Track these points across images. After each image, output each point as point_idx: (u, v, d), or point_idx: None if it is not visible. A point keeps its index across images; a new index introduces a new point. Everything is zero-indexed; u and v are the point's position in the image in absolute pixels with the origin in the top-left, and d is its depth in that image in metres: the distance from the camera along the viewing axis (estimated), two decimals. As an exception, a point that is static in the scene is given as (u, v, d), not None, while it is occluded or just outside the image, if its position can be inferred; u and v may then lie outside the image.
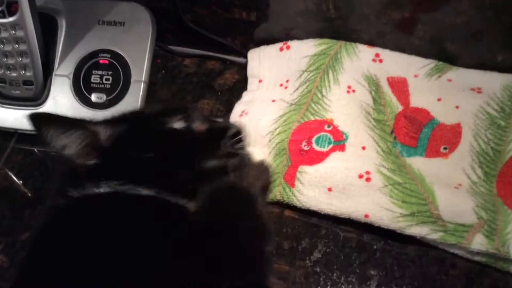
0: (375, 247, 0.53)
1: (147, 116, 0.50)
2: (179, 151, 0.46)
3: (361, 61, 0.59)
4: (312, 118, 0.56)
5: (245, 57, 0.66)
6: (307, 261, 0.53)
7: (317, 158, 0.53)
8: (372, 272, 0.51)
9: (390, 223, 0.50)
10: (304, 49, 0.61)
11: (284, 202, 0.54)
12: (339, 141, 0.54)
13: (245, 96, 0.62)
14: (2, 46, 0.58)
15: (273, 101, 0.60)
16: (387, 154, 0.54)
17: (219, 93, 0.66)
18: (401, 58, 0.60)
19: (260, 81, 0.63)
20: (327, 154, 0.53)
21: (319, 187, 0.52)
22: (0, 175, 0.62)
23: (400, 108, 0.57)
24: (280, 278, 0.52)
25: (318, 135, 0.55)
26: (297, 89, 0.59)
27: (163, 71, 0.68)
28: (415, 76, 0.58)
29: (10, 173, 0.63)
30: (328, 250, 0.53)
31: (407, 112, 0.57)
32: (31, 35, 0.58)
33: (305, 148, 0.54)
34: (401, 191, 0.51)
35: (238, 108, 0.61)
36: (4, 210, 0.59)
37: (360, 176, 0.51)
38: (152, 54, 0.62)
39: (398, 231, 0.50)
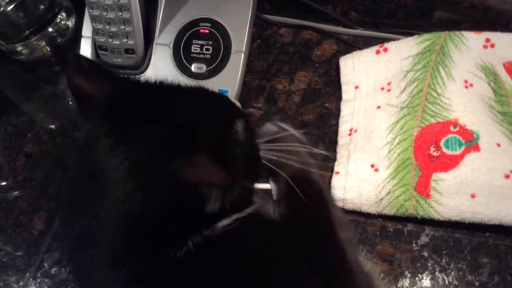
0: (487, 234, 0.51)
1: None
2: None
3: (471, 50, 0.56)
4: (433, 120, 0.53)
5: (345, 26, 0.64)
6: (414, 245, 0.52)
7: (451, 162, 0.50)
8: (484, 260, 0.50)
9: None
10: (405, 50, 0.59)
11: (419, 217, 0.51)
12: (470, 141, 0.51)
13: (344, 109, 0.59)
14: (105, 13, 0.59)
15: (378, 107, 0.57)
16: None
17: (317, 65, 0.64)
18: None
19: (356, 87, 0.59)
20: (461, 156, 0.50)
21: (460, 194, 0.49)
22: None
23: None
24: (385, 260, 0.51)
25: (446, 137, 0.52)
26: (403, 90, 0.56)
27: (258, 41, 0.67)
28: None
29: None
30: (436, 234, 0.52)
31: (532, 98, 0.53)
32: (134, 3, 0.58)
33: (435, 153, 0.51)
34: None
35: (343, 127, 0.58)
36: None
37: (507, 176, 0.48)
38: (252, 24, 0.61)
39: None
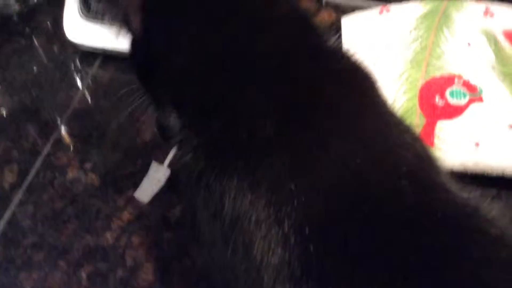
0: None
1: None
2: None
3: (472, 17, 0.58)
4: (437, 73, 0.54)
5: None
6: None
7: (455, 111, 0.51)
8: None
9: None
10: (408, 11, 0.59)
11: None
12: (474, 93, 0.52)
13: None
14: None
15: (382, 64, 0.56)
16: None
17: (316, 33, 0.62)
18: None
19: (358, 46, 0.58)
20: (465, 106, 0.51)
21: (464, 143, 0.50)
22: (86, 96, 0.59)
23: None
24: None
25: (451, 88, 0.52)
26: (408, 47, 0.57)
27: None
28: None
29: (96, 94, 0.59)
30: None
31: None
32: None
33: (440, 103, 0.52)
34: None
35: None
36: (91, 130, 0.56)
37: (511, 126, 0.49)
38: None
39: None
